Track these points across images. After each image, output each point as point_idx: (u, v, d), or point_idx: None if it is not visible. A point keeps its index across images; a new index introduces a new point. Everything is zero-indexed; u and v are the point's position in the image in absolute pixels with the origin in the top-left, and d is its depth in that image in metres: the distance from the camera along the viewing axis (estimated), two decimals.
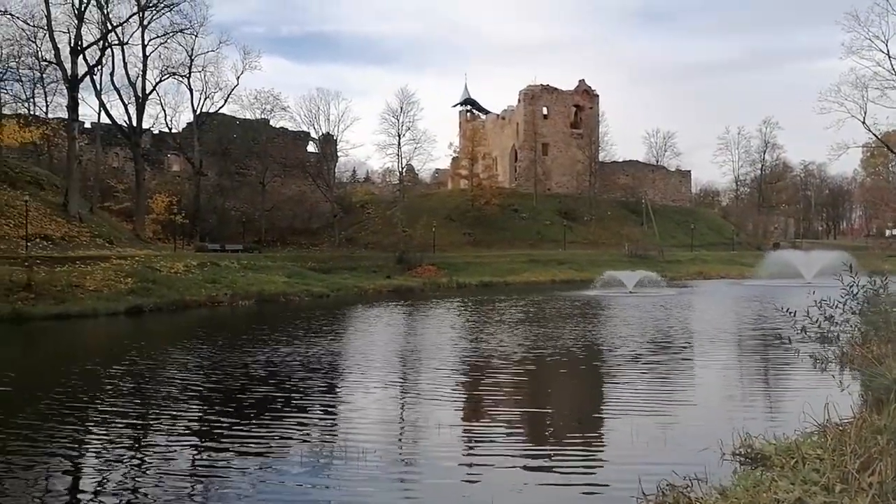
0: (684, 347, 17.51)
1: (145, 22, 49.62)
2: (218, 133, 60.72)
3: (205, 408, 11.22)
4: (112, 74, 50.16)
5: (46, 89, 52.60)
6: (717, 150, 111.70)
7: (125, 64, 50.63)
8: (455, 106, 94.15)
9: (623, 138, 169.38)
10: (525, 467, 7.70)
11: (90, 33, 45.52)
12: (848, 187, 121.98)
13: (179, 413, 10.74)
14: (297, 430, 9.55)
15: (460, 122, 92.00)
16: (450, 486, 7.22)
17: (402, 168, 71.46)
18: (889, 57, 51.72)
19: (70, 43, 42.48)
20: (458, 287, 45.31)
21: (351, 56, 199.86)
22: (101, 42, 45.72)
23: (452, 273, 49.20)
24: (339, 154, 67.93)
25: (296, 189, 67.55)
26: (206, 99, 58.89)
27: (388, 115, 66.44)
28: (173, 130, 61.68)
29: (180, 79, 56.40)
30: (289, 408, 10.93)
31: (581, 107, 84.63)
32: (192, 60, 55.55)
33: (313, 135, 67.13)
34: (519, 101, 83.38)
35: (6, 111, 46.30)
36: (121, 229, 47.73)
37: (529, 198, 76.27)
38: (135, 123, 52.03)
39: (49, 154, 54.44)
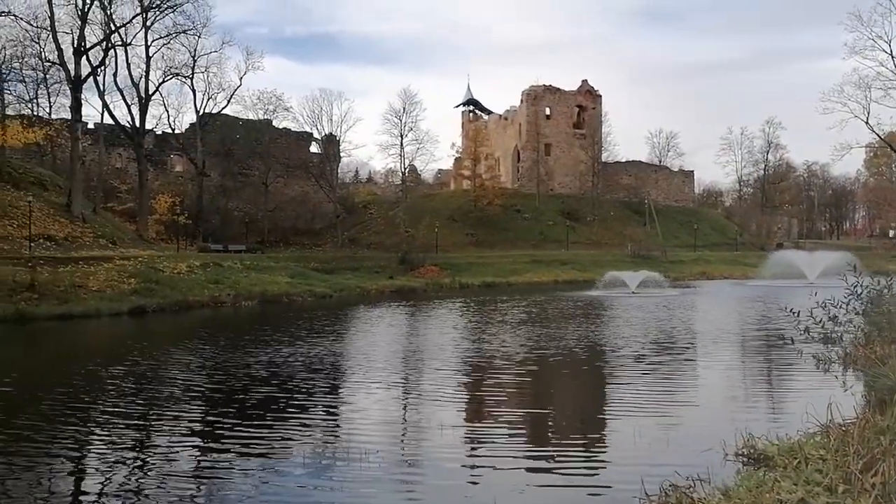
0: (687, 348, 17.49)
1: (148, 23, 49.70)
2: (221, 133, 60.77)
3: (207, 408, 11.24)
4: (115, 75, 50.33)
5: (50, 90, 52.73)
6: (720, 150, 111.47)
7: (128, 64, 50.84)
8: (458, 106, 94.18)
9: (626, 138, 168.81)
10: (527, 468, 7.70)
11: (93, 34, 45.63)
12: (851, 187, 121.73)
13: (182, 414, 10.76)
14: (300, 430, 9.56)
15: (463, 123, 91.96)
16: (452, 488, 7.22)
17: (405, 168, 71.56)
18: (892, 57, 51.77)
19: (73, 44, 42.61)
20: (460, 287, 45.29)
21: (352, 56, 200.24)
22: (105, 43, 45.81)
23: (455, 273, 49.18)
24: (341, 154, 67.93)
25: (299, 189, 67.58)
26: (209, 99, 59.06)
27: (390, 116, 66.52)
28: (176, 131, 61.79)
29: (183, 79, 56.58)
30: (291, 408, 10.94)
31: (584, 107, 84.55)
32: (195, 61, 55.65)
33: (316, 135, 67.25)
34: (521, 101, 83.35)
35: (10, 112, 46.37)
36: (124, 230, 47.82)
37: (532, 198, 76.25)
38: (138, 124, 52.13)
39: (52, 155, 54.52)
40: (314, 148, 69.67)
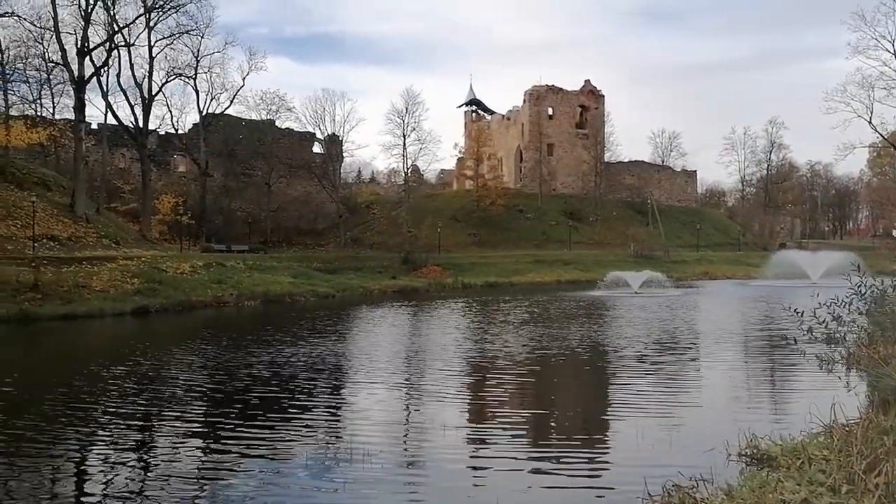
0: (690, 348, 17.48)
1: (152, 23, 49.78)
2: (224, 134, 60.86)
3: (209, 409, 11.25)
4: (118, 75, 50.44)
5: (53, 90, 52.95)
6: (722, 150, 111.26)
7: (132, 65, 51.03)
8: (460, 106, 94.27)
9: (628, 138, 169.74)
10: (530, 469, 7.68)
11: (97, 35, 45.75)
12: (854, 187, 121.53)
13: (184, 414, 10.78)
14: (302, 431, 9.57)
15: (465, 123, 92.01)
16: (455, 488, 7.21)
17: (408, 168, 71.54)
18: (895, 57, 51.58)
19: (77, 44, 42.69)
20: (463, 287, 45.29)
21: (354, 56, 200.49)
22: (108, 43, 45.89)
23: (457, 273, 49.18)
24: (344, 154, 68.07)
25: (301, 190, 67.66)
26: (211, 100, 59.25)
27: (393, 116, 66.58)
28: (179, 131, 61.88)
29: (186, 80, 56.72)
30: (294, 409, 10.95)
31: (586, 107, 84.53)
32: (198, 61, 55.82)
33: (319, 135, 67.33)
34: (524, 101, 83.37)
35: (14, 112, 46.50)
36: (127, 230, 47.92)
37: (535, 198, 76.24)
38: (141, 124, 52.24)
39: (56, 155, 54.63)
40: (317, 148, 69.76)
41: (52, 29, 42.12)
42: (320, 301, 35.73)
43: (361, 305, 32.83)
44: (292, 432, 9.46)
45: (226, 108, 60.13)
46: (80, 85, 42.79)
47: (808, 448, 6.87)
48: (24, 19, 43.45)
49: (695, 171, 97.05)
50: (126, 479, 7.61)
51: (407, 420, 10.56)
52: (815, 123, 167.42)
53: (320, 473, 7.61)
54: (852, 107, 55.71)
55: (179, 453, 8.56)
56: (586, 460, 8.03)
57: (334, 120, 64.65)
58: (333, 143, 65.57)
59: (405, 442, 9.17)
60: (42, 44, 46.29)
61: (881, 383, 8.98)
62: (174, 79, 55.03)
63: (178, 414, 10.76)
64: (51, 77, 50.77)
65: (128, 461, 8.27)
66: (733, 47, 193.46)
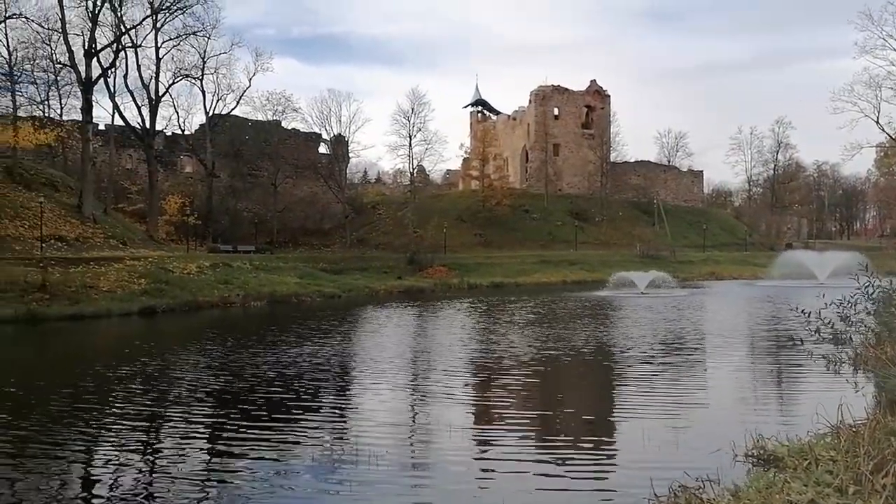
0: (696, 349, 17.45)
1: (158, 24, 49.93)
2: (230, 134, 61.02)
3: (215, 409, 11.28)
4: (126, 77, 50.67)
5: (61, 92, 53.06)
6: (729, 150, 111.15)
7: (138, 66, 51.20)
8: (466, 107, 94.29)
9: (635, 138, 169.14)
10: (536, 470, 7.69)
11: (104, 36, 45.90)
12: (861, 187, 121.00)
13: (190, 415, 10.80)
14: (308, 432, 9.58)
15: (471, 123, 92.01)
16: (461, 490, 7.21)
17: (413, 169, 71.59)
18: None
19: (84, 45, 42.88)
20: (468, 288, 45.29)
21: (360, 57, 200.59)
22: (115, 44, 46.06)
23: (463, 274, 49.18)
24: (350, 155, 68.14)
25: (307, 190, 67.78)
26: (218, 100, 59.33)
27: (399, 116, 66.65)
28: (186, 132, 62.10)
29: (193, 81, 56.81)
30: (299, 409, 10.96)
31: (592, 107, 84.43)
32: (204, 62, 55.94)
33: (325, 136, 67.44)
34: (530, 101, 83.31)
35: (21, 113, 46.62)
36: (134, 230, 48.07)
37: (540, 198, 76.17)
38: (148, 125, 52.38)
39: (63, 156, 54.86)
40: (323, 149, 69.89)
41: (60, 30, 42.30)
42: (326, 301, 35.80)
43: (367, 306, 32.87)
44: (298, 433, 9.48)
45: (232, 109, 60.38)
46: (87, 86, 42.98)
47: (814, 449, 6.85)
48: (32, 21, 43.75)
49: (701, 171, 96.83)
50: (132, 479, 7.64)
51: (413, 421, 10.58)
52: (823, 123, 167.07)
53: (326, 475, 7.62)
54: (859, 106, 55.58)
55: (185, 454, 8.59)
56: (592, 461, 8.02)
57: (340, 120, 64.83)
58: (339, 143, 65.66)
59: (411, 443, 9.17)
60: (50, 45, 46.58)
61: (888, 384, 8.96)
62: (181, 80, 55.18)
63: (184, 414, 10.79)
64: (58, 78, 50.99)
65: (134, 462, 8.31)
66: (740, 47, 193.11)
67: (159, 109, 53.07)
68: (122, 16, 46.27)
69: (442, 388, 12.49)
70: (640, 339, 18.41)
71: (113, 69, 47.51)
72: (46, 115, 52.55)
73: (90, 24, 42.53)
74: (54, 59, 47.30)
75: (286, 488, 7.29)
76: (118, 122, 52.66)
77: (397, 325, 24.94)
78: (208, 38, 54.20)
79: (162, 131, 59.02)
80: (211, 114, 59.08)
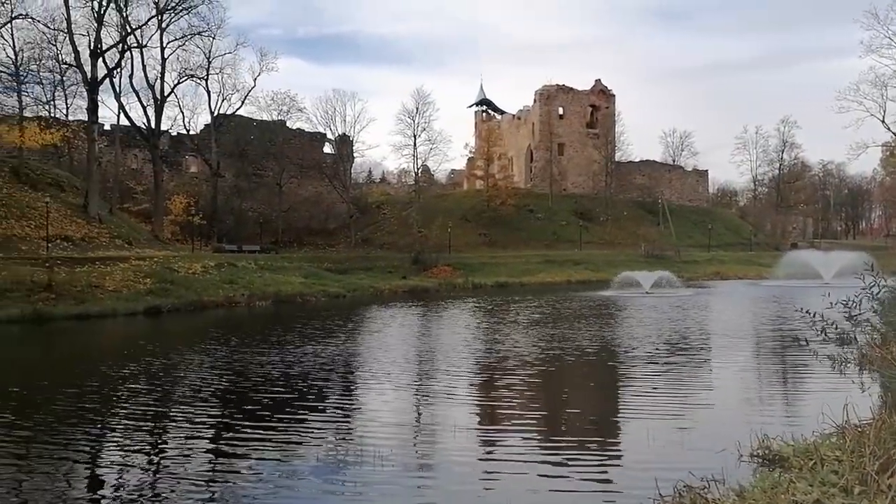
0: (701, 349, 17.43)
1: (164, 25, 50.05)
2: (235, 134, 61.12)
3: (220, 409, 11.30)
4: (131, 77, 50.73)
5: (67, 92, 53.32)
6: (734, 149, 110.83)
7: (144, 66, 51.38)
8: (471, 106, 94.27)
9: (639, 138, 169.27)
10: (540, 471, 7.69)
11: (109, 36, 45.96)
12: (867, 187, 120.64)
13: (195, 415, 10.82)
14: (313, 432, 9.58)
15: (476, 123, 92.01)
16: (465, 491, 7.21)
17: (418, 168, 71.70)
18: None
19: (90, 46, 42.95)
20: (473, 288, 45.30)
21: (365, 57, 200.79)
22: (121, 45, 46.16)
23: (468, 273, 49.20)
24: (355, 155, 68.21)
25: (312, 190, 67.85)
26: (223, 101, 59.55)
27: (403, 116, 66.71)
28: (191, 132, 62.15)
29: (198, 81, 56.96)
30: (303, 410, 10.96)
31: (597, 106, 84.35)
32: (209, 62, 56.07)
33: (329, 136, 67.48)
34: (534, 101, 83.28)
35: (27, 113, 46.82)
36: (139, 230, 48.22)
37: (545, 198, 76.13)
38: (153, 125, 52.55)
39: (69, 156, 55.05)
40: (328, 148, 69.92)
41: (66, 31, 42.44)
42: (331, 301, 35.85)
43: (372, 305, 32.90)
44: (302, 433, 9.49)
45: (237, 109, 60.53)
46: (93, 86, 43.09)
47: (820, 449, 6.84)
48: (38, 21, 43.86)
49: (706, 171, 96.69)
50: (137, 479, 7.66)
51: (417, 421, 10.58)
52: (828, 122, 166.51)
53: (330, 475, 7.62)
54: (865, 105, 55.49)
55: (190, 454, 8.61)
56: (597, 462, 8.02)
57: (345, 120, 64.90)
58: (344, 143, 65.73)
59: (415, 444, 9.17)
60: (55, 45, 46.75)
61: (894, 384, 8.93)
62: (186, 80, 55.35)
63: (189, 414, 10.81)
64: (64, 78, 51.25)
65: (138, 462, 8.33)
66: (747, 46, 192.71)
67: (164, 109, 53.34)
68: (127, 16, 46.45)
69: (446, 389, 12.49)
70: (645, 339, 18.39)
71: (118, 69, 47.75)
72: (52, 115, 52.80)
73: (96, 25, 42.65)
74: (60, 59, 47.52)
75: (291, 489, 7.29)
76: (123, 122, 52.97)
77: (402, 324, 24.96)
78: (213, 39, 54.36)
79: (167, 131, 59.16)
80: (216, 114, 59.28)
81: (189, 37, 51.89)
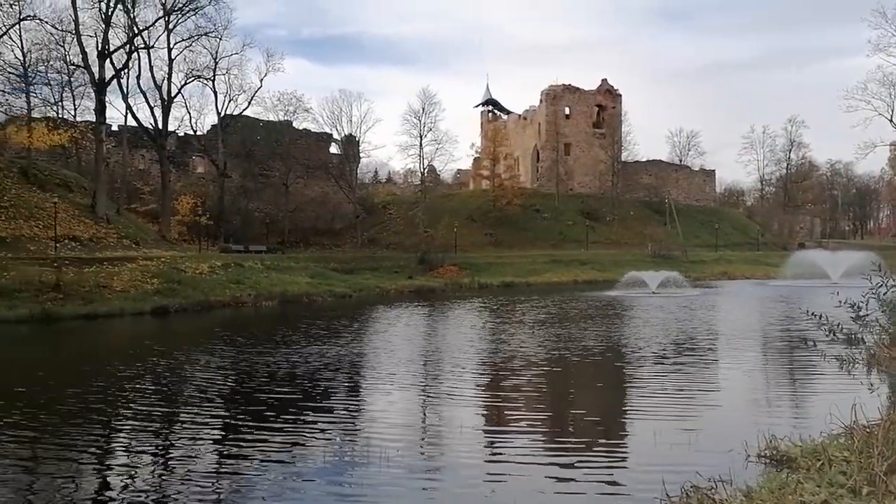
0: (708, 349, 17.37)
1: (171, 26, 50.23)
2: (242, 135, 61.31)
3: (227, 409, 11.32)
4: (138, 78, 50.89)
5: (74, 93, 53.43)
6: (741, 149, 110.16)
7: (151, 67, 51.46)
8: (477, 106, 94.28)
9: (646, 138, 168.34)
10: (547, 472, 7.67)
11: (117, 37, 46.23)
12: (875, 186, 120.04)
13: (201, 415, 10.84)
14: (319, 432, 9.58)
15: (482, 123, 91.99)
16: (472, 492, 7.20)
17: (424, 169, 71.67)
18: None
19: (97, 47, 43.17)
20: (479, 287, 45.27)
21: (371, 57, 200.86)
22: (128, 46, 46.39)
23: (474, 273, 49.17)
24: (361, 155, 68.34)
25: (318, 190, 67.96)
26: (230, 101, 59.69)
27: (409, 116, 66.78)
28: (198, 133, 62.44)
29: (205, 81, 57.20)
30: (310, 409, 10.97)
31: (603, 106, 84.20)
32: (216, 63, 56.29)
33: (336, 136, 67.65)
34: (541, 101, 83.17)
35: (35, 114, 47.02)
36: (147, 230, 48.36)
37: (551, 198, 76.03)
38: (160, 126, 52.75)
39: (77, 156, 55.26)
40: (334, 149, 70.07)
41: (74, 32, 42.58)
42: (337, 301, 35.88)
43: (378, 306, 32.92)
44: (308, 434, 9.49)
45: (244, 110, 60.68)
46: (100, 87, 43.28)
47: (828, 449, 6.82)
48: (46, 22, 43.94)
49: (713, 171, 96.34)
50: (143, 479, 7.68)
51: (424, 421, 10.58)
52: (836, 122, 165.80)
53: (336, 476, 7.62)
54: (873, 105, 55.40)
55: (196, 454, 8.63)
56: (604, 462, 7.99)
57: (351, 121, 65.06)
58: (350, 143, 65.84)
59: (421, 444, 9.15)
60: (63, 47, 46.84)
61: None
62: (193, 80, 55.51)
63: (195, 414, 10.84)
64: (72, 79, 51.31)
65: (144, 462, 8.36)
66: (753, 46, 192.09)
67: (171, 110, 53.57)
68: (134, 17, 46.67)
69: (452, 389, 12.48)
70: (652, 339, 18.34)
71: (126, 70, 47.99)
72: (60, 116, 52.98)
73: (103, 26, 42.84)
74: (68, 60, 47.63)
75: (296, 490, 7.28)
76: (131, 122, 53.29)
77: (407, 324, 24.97)
78: (220, 39, 54.60)
79: (174, 132, 59.41)
80: (223, 114, 59.44)
81: (196, 38, 52.15)
